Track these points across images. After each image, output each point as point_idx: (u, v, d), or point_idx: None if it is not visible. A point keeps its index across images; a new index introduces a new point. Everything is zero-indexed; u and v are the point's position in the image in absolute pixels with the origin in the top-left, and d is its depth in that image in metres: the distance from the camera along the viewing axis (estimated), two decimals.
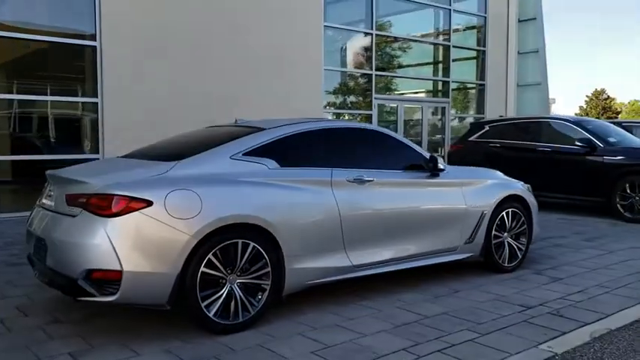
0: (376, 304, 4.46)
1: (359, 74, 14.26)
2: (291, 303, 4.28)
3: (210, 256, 3.70)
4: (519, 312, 4.30)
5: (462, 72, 16.62)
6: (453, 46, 15.93)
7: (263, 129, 4.38)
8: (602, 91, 74.04)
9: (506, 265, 5.52)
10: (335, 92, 13.95)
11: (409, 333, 3.82)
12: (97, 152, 9.82)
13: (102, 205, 3.53)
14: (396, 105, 14.84)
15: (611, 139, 9.58)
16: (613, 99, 69.94)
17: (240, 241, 3.80)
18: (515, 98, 17.57)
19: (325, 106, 13.22)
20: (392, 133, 5.15)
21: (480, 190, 5.35)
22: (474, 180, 5.37)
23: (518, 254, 5.64)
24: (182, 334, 3.77)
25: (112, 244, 3.46)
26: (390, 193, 4.70)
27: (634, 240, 7.39)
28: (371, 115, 14.09)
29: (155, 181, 3.73)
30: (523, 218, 5.65)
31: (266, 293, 3.94)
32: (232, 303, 3.80)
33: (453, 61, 16.00)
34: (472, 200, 5.23)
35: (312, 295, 4.43)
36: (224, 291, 3.77)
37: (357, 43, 14.37)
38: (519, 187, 5.73)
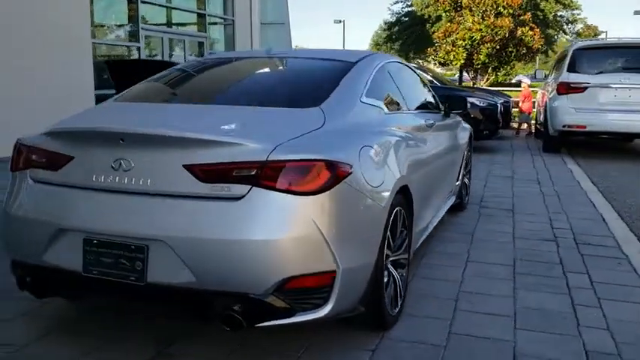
0: (437, 261, 4.06)
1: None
2: None
3: (388, 232, 2.78)
4: (559, 246, 4.45)
5: (216, 7, 15.73)
6: None
7: (352, 62, 3.37)
8: None
9: (464, 202, 5.63)
10: (101, 21, 11.65)
11: (531, 285, 3.60)
12: None
13: (295, 178, 2.26)
14: (160, 37, 13.24)
15: None
16: None
17: (397, 208, 2.95)
18: (260, 36, 17.52)
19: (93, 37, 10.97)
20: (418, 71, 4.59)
21: (463, 129, 5.27)
22: (457, 119, 5.22)
23: (468, 191, 5.81)
24: (320, 342, 2.78)
25: (322, 234, 2.28)
26: (438, 137, 4.22)
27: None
28: (139, 47, 12.27)
29: (333, 136, 2.57)
30: (471, 156, 5.80)
31: (406, 269, 3.19)
32: (392, 288, 2.96)
33: None
34: (462, 139, 5.13)
35: None
36: (389, 275, 2.91)
37: None
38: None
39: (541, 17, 23.82)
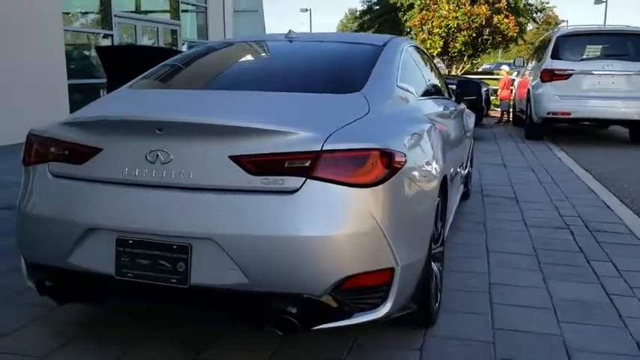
0: (459, 253, 3.95)
1: None
2: None
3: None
4: (574, 234, 4.39)
5: None
6: None
7: (379, 45, 3.19)
8: None
9: (469, 190, 5.55)
10: (72, 8, 11.16)
11: (559, 275, 3.52)
12: None
13: (352, 169, 2.09)
14: (134, 24, 12.78)
15: None
16: None
17: (439, 199, 2.80)
18: (233, 23, 17.17)
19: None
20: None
21: (469, 116, 5.16)
22: (463, 106, 5.10)
23: (471, 179, 5.72)
24: (362, 343, 2.64)
25: (381, 229, 2.12)
26: (456, 125, 4.07)
27: None
28: (112, 34, 11.83)
29: (382, 124, 2.41)
30: (473, 144, 5.71)
31: (441, 262, 3.06)
32: (433, 283, 2.82)
33: None
34: (469, 126, 5.03)
35: None
36: (432, 269, 2.77)
37: None
38: None
39: (512, 5, 24.07)
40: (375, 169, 2.11)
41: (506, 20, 16.56)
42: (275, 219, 2.03)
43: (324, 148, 2.07)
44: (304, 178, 2.05)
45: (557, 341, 2.67)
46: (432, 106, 3.34)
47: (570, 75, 9.49)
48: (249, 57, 3.38)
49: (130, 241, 2.15)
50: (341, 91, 2.59)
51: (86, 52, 11.84)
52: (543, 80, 9.76)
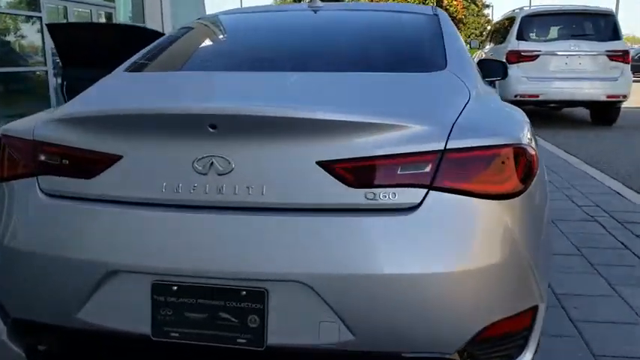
0: None
1: None
2: None
3: None
4: (606, 228, 4.02)
5: None
6: None
7: (432, 15, 2.61)
8: None
9: None
10: None
11: (621, 278, 3.11)
12: None
13: (488, 174, 1.51)
14: (64, 6, 11.58)
15: None
16: None
17: None
18: (170, 5, 16.11)
19: None
20: None
21: None
22: None
23: None
24: None
25: (527, 256, 1.56)
26: None
27: None
28: (40, 17, 10.64)
29: (493, 111, 1.85)
30: None
31: None
32: None
33: None
34: None
35: None
36: None
37: None
38: None
39: None
40: (515, 172, 1.55)
41: (455, 2, 16.41)
42: (389, 250, 1.43)
43: (448, 147, 1.49)
44: (425, 190, 1.46)
45: None
46: (490, 89, 2.81)
47: (537, 56, 9.26)
48: (282, 29, 2.66)
49: (174, 288, 1.49)
50: (424, 68, 2.00)
51: (10, 38, 10.60)
52: (510, 62, 9.46)
